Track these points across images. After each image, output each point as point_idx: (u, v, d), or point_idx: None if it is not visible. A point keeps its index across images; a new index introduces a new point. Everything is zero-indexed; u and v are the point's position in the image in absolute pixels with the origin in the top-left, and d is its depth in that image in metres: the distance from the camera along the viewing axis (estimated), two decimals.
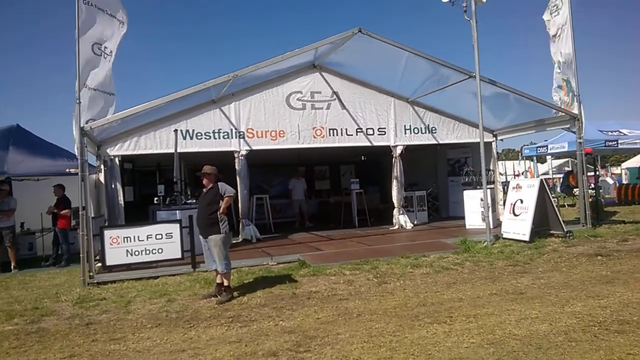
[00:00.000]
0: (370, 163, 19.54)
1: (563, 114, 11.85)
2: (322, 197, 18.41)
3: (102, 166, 10.69)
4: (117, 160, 10.83)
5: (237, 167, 11.65)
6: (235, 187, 7.92)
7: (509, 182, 14.56)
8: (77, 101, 8.48)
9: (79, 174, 8.35)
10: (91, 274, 8.39)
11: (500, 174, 16.24)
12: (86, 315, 6.47)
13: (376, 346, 4.77)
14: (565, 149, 15.69)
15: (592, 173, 15.41)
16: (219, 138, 11.55)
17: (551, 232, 10.60)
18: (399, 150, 13.02)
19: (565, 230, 10.32)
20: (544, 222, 10.56)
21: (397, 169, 13.05)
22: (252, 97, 11.81)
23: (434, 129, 13.46)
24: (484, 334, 4.94)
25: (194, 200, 10.17)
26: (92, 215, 9.39)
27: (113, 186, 10.72)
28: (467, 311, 5.78)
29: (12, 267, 10.45)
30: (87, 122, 8.75)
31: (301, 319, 5.85)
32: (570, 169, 22.43)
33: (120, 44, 9.68)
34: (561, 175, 23.03)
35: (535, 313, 5.57)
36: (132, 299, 7.18)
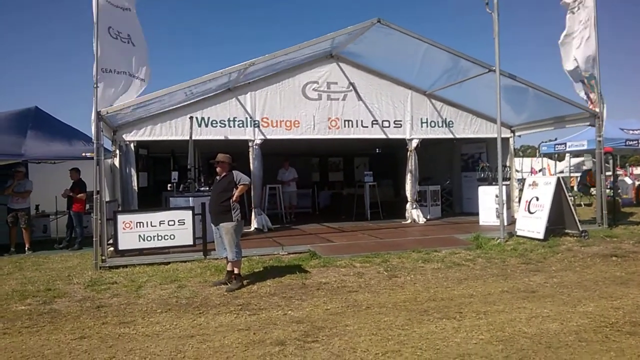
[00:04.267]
0: (385, 156, 19.45)
1: (583, 110, 11.63)
2: (334, 188, 18.40)
3: (117, 151, 10.77)
4: (132, 145, 10.89)
5: (251, 155, 11.65)
6: (249, 176, 7.90)
7: (524, 179, 14.39)
8: (95, 85, 8.51)
9: (94, 158, 8.40)
10: (103, 257, 8.47)
11: (517, 170, 16.04)
12: (97, 298, 6.54)
13: (384, 339, 4.75)
14: (585, 147, 15.48)
15: (611, 172, 15.15)
16: (234, 126, 11.56)
17: (566, 231, 10.45)
18: (414, 143, 12.92)
19: (581, 229, 10.17)
20: (559, 220, 10.42)
21: (411, 163, 12.95)
22: (268, 86, 11.79)
23: (450, 122, 13.33)
24: (493, 331, 4.89)
25: (207, 188, 10.20)
26: (106, 200, 9.47)
27: (127, 171, 10.80)
28: (478, 307, 5.73)
29: (26, 248, 10.58)
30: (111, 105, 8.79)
31: (310, 309, 5.85)
32: (588, 167, 22.11)
33: (137, 27, 9.59)
34: (579, 174, 22.70)
35: (546, 312, 5.51)
36: (143, 283, 7.23)
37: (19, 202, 10.74)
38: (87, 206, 11.00)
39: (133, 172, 10.85)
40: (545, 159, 25.85)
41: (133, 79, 9.48)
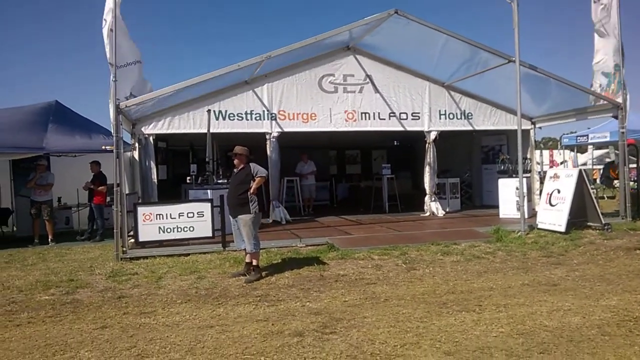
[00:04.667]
0: (403, 148, 19.32)
1: (606, 101, 11.40)
2: (352, 181, 18.36)
3: (136, 144, 10.88)
4: (151, 138, 10.99)
5: (268, 148, 11.67)
6: (266, 169, 7.92)
7: (545, 171, 14.18)
8: (113, 79, 8.60)
9: (114, 150, 8.50)
10: (124, 249, 8.58)
11: (537, 163, 15.81)
12: (118, 289, 6.63)
13: (402, 331, 4.73)
14: (607, 139, 15.18)
15: (635, 165, 14.84)
16: (251, 119, 11.59)
17: (588, 224, 10.28)
18: (432, 135, 12.80)
19: (604, 222, 9.99)
20: (581, 213, 10.25)
21: (430, 155, 12.85)
22: (284, 79, 11.77)
23: (469, 114, 13.17)
24: (513, 324, 4.84)
25: (226, 180, 10.25)
26: (126, 192, 9.58)
27: (147, 164, 10.91)
28: (497, 300, 5.67)
29: (49, 240, 10.78)
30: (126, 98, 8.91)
31: (328, 301, 5.85)
32: (611, 159, 21.70)
33: (114, 13, 9.43)
34: (602, 167, 22.32)
35: (568, 305, 5.43)
36: (163, 274, 7.31)
37: (42, 195, 10.93)
38: (108, 198, 11.15)
39: (152, 164, 10.96)
40: (566, 151, 25.46)
41: (131, 66, 9.61)
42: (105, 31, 8.73)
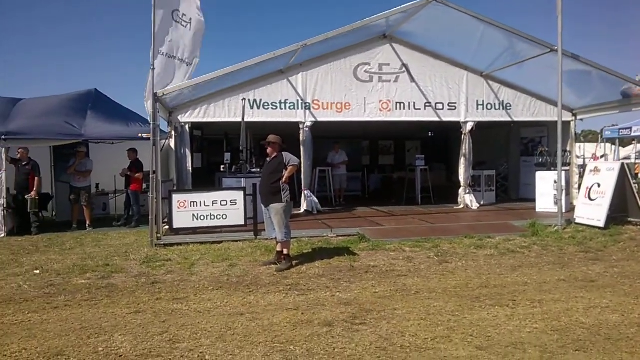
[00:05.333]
0: (437, 139, 19.02)
1: None
2: (385, 172, 18.22)
3: (172, 132, 11.04)
4: (187, 127, 11.12)
5: (301, 138, 11.67)
6: (298, 158, 7.93)
7: (585, 165, 13.75)
8: (152, 67, 8.73)
9: (151, 138, 8.63)
10: (159, 235, 8.74)
11: (577, 156, 15.33)
12: (152, 275, 6.76)
13: (434, 324, 4.68)
14: None
15: None
16: (285, 109, 11.58)
17: (629, 219, 9.93)
18: (469, 126, 12.54)
19: None
20: (622, 208, 9.91)
21: (465, 146, 12.60)
22: (319, 68, 11.71)
23: (508, 105, 12.83)
24: (548, 320, 4.72)
25: (258, 169, 10.30)
26: (162, 180, 9.74)
27: (182, 152, 11.05)
28: (532, 296, 5.55)
29: (87, 225, 11.08)
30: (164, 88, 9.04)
31: (358, 292, 5.83)
32: None
33: (200, 10, 9.84)
34: None
35: (606, 302, 5.27)
36: (196, 261, 7.42)
37: (81, 181, 11.23)
38: (144, 185, 11.37)
39: (188, 152, 11.09)
40: (608, 145, 24.66)
41: (182, 64, 9.71)
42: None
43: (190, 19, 9.78)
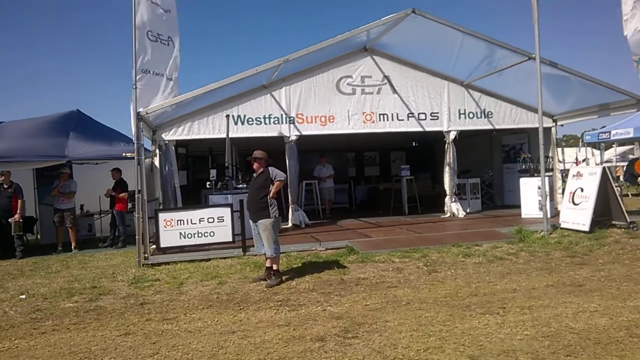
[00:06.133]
0: (422, 149, 19.19)
1: (629, 97, 11.14)
2: (371, 183, 18.29)
3: (157, 150, 10.98)
4: (171, 145, 11.08)
5: (287, 152, 11.68)
6: (284, 173, 7.93)
7: (567, 169, 13.93)
8: (134, 86, 8.70)
9: (135, 157, 8.59)
10: (146, 255, 8.65)
11: (559, 161, 15.54)
12: (141, 295, 6.69)
13: (425, 335, 4.68)
14: (631, 135, 14.87)
15: None
16: (270, 123, 11.60)
17: (613, 222, 10.06)
18: (452, 135, 12.68)
19: (629, 220, 9.77)
20: (605, 212, 10.05)
21: (449, 155, 12.72)
22: (302, 82, 11.77)
23: (490, 113, 13.00)
24: (538, 326, 4.76)
25: (245, 185, 10.27)
26: (147, 199, 9.68)
27: (168, 170, 10.99)
28: (522, 302, 5.59)
29: (72, 247, 10.95)
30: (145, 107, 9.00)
31: (349, 305, 5.83)
32: (635, 156, 21.26)
33: (176, 29, 9.86)
34: (625, 164, 21.89)
35: (594, 306, 5.32)
36: (185, 280, 7.36)
37: (65, 203, 11.11)
38: (129, 205, 11.28)
39: (174, 170, 11.02)
40: (589, 149, 25.03)
41: (166, 80, 9.70)
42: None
43: (169, 37, 9.77)
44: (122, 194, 11.26)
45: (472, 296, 5.99)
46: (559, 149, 17.21)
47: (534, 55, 10.06)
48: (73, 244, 11.00)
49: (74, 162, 11.78)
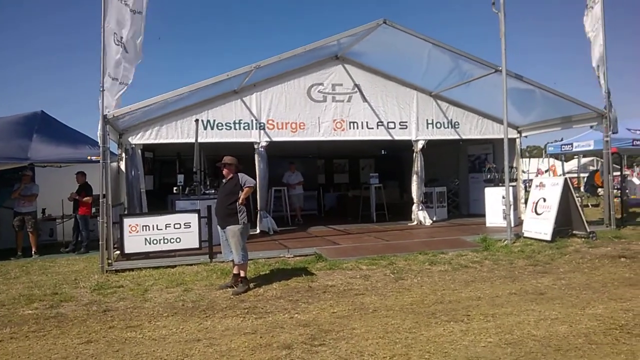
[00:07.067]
0: (390, 157, 19.40)
1: (591, 110, 11.54)
2: (340, 190, 18.37)
3: (123, 154, 10.78)
4: (138, 148, 10.89)
5: (256, 158, 11.64)
6: (254, 179, 7.89)
7: (531, 180, 14.28)
8: (101, 89, 8.53)
9: (101, 161, 8.42)
10: (110, 261, 8.48)
11: (523, 171, 15.94)
12: (104, 302, 6.53)
13: (392, 342, 4.72)
14: (591, 148, 15.35)
15: (618, 173, 15.03)
16: (240, 129, 11.55)
17: (574, 232, 10.38)
18: (420, 144, 12.87)
19: (589, 230, 10.10)
20: (566, 221, 10.35)
21: (417, 164, 12.90)
22: (273, 88, 11.78)
23: (457, 123, 13.27)
24: (501, 334, 4.85)
25: (213, 191, 10.17)
26: (112, 203, 9.48)
27: (134, 174, 10.79)
28: (485, 310, 5.68)
29: (32, 252, 10.63)
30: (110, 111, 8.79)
31: (316, 313, 5.82)
32: (595, 168, 21.96)
33: (140, 31, 9.55)
34: (587, 175, 22.57)
35: (555, 314, 5.45)
36: (149, 287, 7.23)
37: (26, 206, 10.79)
38: (93, 209, 11.03)
39: (140, 175, 10.82)
40: (552, 160, 25.71)
41: (119, 84, 9.44)
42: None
43: (127, 40, 9.44)
44: (86, 198, 11.01)
45: (437, 304, 6.06)
46: (523, 159, 17.64)
47: (500, 68, 10.33)
48: (33, 249, 10.68)
49: (37, 165, 11.46)
